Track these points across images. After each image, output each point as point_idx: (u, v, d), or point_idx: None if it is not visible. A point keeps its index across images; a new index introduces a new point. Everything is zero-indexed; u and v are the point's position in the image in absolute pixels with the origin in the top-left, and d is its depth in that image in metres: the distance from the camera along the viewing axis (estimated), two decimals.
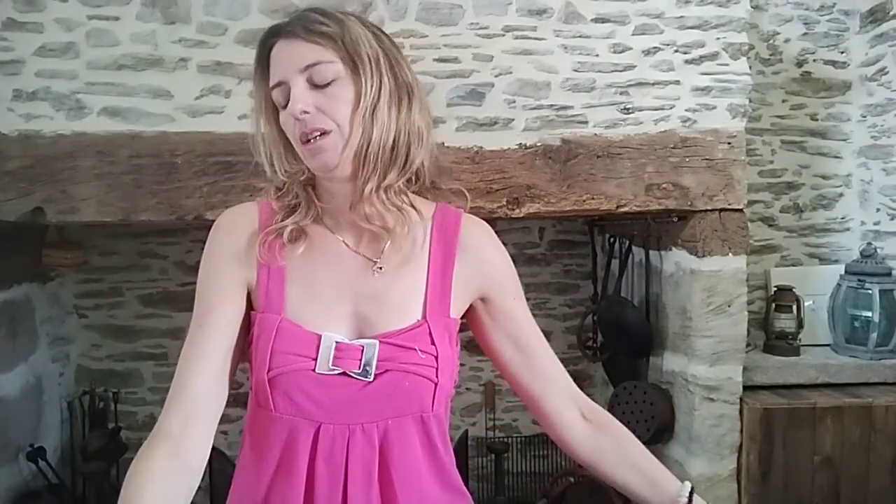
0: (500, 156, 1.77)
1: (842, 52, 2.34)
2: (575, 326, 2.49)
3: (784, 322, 2.14)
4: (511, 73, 1.77)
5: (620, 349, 2.21)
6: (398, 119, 0.87)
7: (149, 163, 1.68)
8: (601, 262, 2.49)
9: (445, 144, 1.73)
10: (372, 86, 0.86)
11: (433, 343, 0.88)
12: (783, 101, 2.35)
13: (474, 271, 0.95)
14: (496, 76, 1.77)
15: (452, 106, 1.76)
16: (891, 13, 2.16)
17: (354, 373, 0.85)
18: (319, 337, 0.86)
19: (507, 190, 1.77)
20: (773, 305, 2.17)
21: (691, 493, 0.92)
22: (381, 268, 0.90)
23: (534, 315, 1.01)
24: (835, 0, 2.32)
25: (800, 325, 2.14)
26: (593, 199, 1.80)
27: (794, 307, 2.14)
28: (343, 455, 0.85)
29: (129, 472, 0.80)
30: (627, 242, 2.24)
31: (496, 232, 1.01)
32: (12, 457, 2.10)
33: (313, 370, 0.85)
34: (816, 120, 2.36)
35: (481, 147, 1.77)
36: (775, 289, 2.21)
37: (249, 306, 0.91)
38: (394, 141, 0.87)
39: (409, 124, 0.88)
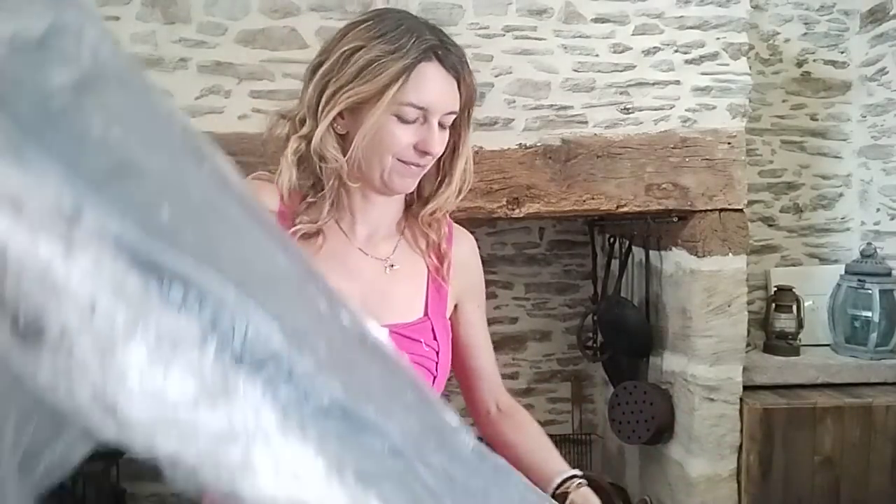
0: (500, 156, 1.77)
1: (842, 52, 2.34)
2: (575, 326, 2.48)
3: (784, 322, 2.14)
4: (511, 73, 1.77)
5: (620, 349, 2.21)
6: None
7: None
8: (601, 262, 2.49)
9: None
10: (468, 141, 0.97)
11: (436, 339, 0.94)
12: (783, 101, 2.35)
13: (462, 282, 1.03)
14: (496, 76, 1.77)
15: None
16: (891, 13, 2.16)
17: None
18: None
19: (507, 190, 1.76)
20: (773, 305, 2.17)
21: (568, 479, 0.95)
22: (392, 265, 0.96)
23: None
24: (835, 0, 2.32)
25: (800, 325, 2.14)
26: (593, 199, 1.80)
27: (794, 307, 2.14)
28: None
29: None
30: (627, 242, 2.24)
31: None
32: None
33: None
34: (816, 120, 2.35)
35: (481, 147, 1.76)
36: (775, 289, 2.21)
37: None
38: None
39: None
